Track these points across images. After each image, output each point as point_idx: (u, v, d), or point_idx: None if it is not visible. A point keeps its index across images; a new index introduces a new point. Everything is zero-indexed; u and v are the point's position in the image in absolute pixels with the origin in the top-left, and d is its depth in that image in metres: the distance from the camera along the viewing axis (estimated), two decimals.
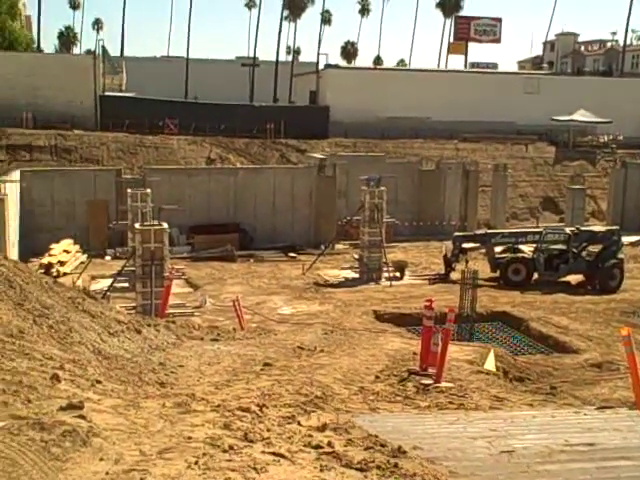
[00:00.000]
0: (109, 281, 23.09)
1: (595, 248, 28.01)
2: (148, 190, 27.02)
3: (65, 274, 26.71)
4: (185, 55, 73.40)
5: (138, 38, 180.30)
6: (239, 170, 37.79)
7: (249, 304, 22.53)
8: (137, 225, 20.83)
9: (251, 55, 77.38)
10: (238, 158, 46.48)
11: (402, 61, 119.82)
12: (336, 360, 12.03)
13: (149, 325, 12.63)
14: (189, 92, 66.81)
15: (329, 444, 6.20)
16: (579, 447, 6.83)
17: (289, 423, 7.11)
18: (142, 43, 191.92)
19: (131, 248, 23.67)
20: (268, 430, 6.59)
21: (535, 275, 27.49)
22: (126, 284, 23.25)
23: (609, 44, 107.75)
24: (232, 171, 37.34)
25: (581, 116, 53.77)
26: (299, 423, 7.14)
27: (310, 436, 6.49)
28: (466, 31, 76.02)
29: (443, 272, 27.99)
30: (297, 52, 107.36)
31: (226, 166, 42.94)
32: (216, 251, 31.63)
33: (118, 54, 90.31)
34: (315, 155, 41.66)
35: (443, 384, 10.77)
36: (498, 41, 77.70)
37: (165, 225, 19.98)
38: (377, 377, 11.02)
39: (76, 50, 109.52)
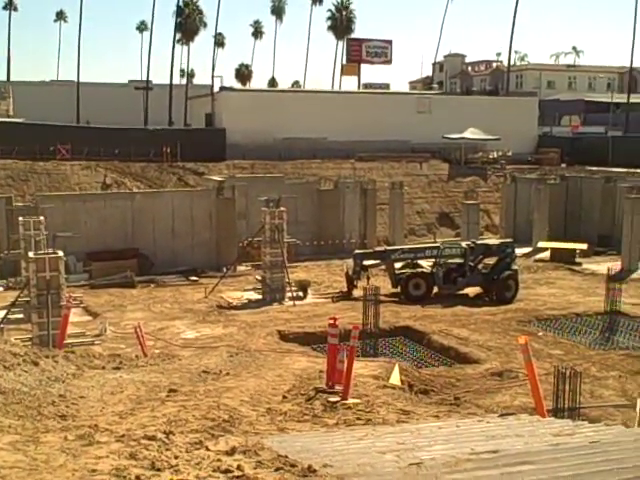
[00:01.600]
0: (2, 313, 22.20)
1: (490, 261, 28.91)
2: (41, 217, 26.20)
3: None
4: (76, 79, 71.83)
5: (26, 62, 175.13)
6: (136, 194, 37.13)
7: (151, 330, 22.11)
8: (31, 254, 20.11)
9: (144, 78, 76.55)
10: (134, 182, 45.70)
11: (297, 83, 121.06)
12: (242, 382, 11.93)
13: (47, 356, 12.19)
14: (81, 117, 65.40)
15: (239, 467, 6.12)
16: (484, 455, 6.98)
17: (197, 449, 7.00)
18: (30, 67, 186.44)
19: (25, 278, 22.87)
20: (176, 457, 6.46)
21: (435, 289, 28.09)
22: (21, 315, 22.42)
23: (494, 64, 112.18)
24: (129, 196, 36.65)
25: (471, 134, 55.57)
26: (207, 448, 7.03)
27: (219, 461, 6.40)
28: (358, 53, 77.46)
29: (345, 290, 28.24)
30: (191, 75, 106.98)
31: (122, 191, 42.14)
32: (115, 277, 30.90)
33: (4, 79, 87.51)
34: (213, 178, 41.40)
35: (350, 400, 10.83)
36: (389, 62, 79.54)
37: (60, 253, 19.38)
38: (284, 397, 10.99)
39: None
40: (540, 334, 22.62)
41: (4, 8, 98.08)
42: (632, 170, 44.99)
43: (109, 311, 25.81)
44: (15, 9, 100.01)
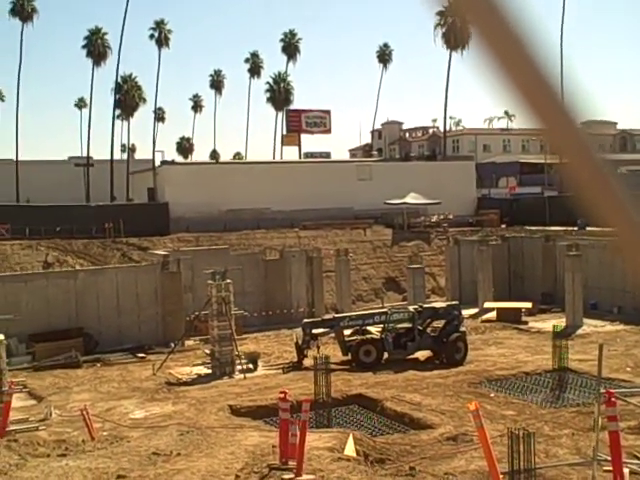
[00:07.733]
0: None
1: (438, 323, 29.05)
2: None
3: None
4: (14, 157, 71.18)
5: None
6: (79, 272, 36.50)
7: (98, 411, 21.47)
8: None
9: (84, 155, 76.26)
10: (77, 260, 44.99)
11: (238, 154, 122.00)
12: (194, 463, 11.63)
13: None
14: (21, 195, 64.64)
15: None
16: None
17: None
18: None
19: None
20: None
21: (385, 355, 28.03)
22: None
23: (431, 130, 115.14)
24: (72, 274, 35.99)
25: (412, 199, 56.41)
26: None
27: None
28: (297, 123, 78.51)
29: (296, 360, 27.99)
30: (132, 150, 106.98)
31: (65, 269, 41.42)
32: (59, 358, 30.07)
33: None
34: (158, 252, 41.07)
35: (304, 477, 10.64)
36: (329, 132, 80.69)
37: (1, 336, 18.87)
38: (237, 476, 10.73)
39: None
40: (492, 395, 22.66)
41: None
42: (569, 228, 46.14)
43: (54, 394, 25.03)
44: None
